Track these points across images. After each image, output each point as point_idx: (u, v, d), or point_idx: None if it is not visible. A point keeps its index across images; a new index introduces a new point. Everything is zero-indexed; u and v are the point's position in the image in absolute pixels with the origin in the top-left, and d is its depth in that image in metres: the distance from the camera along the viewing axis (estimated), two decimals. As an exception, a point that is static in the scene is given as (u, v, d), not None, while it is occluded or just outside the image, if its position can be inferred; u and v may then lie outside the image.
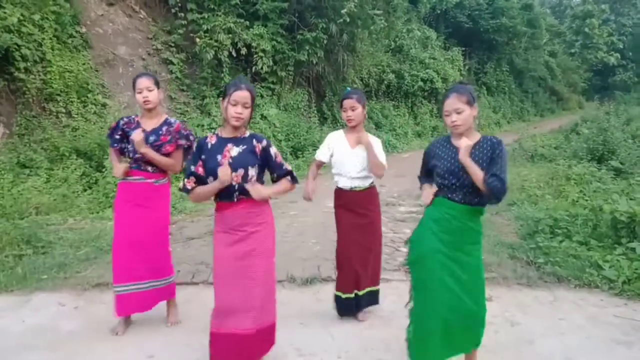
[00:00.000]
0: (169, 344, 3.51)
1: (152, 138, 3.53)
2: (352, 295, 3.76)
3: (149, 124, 3.60)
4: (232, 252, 2.82)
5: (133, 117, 3.69)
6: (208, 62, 11.80)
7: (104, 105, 9.66)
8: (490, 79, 27.86)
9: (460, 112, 2.75)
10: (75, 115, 8.98)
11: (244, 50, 12.28)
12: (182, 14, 11.88)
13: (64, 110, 8.98)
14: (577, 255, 5.12)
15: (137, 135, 3.41)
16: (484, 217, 2.89)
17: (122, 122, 3.64)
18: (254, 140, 2.88)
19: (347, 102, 3.64)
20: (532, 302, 4.36)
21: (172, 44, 12.03)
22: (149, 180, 3.57)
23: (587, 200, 7.05)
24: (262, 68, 12.74)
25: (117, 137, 3.63)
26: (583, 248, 5.30)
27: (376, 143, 3.73)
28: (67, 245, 5.52)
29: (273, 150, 2.93)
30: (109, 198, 7.29)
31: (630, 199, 6.37)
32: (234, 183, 2.78)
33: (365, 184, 3.71)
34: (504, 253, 5.48)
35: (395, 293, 4.37)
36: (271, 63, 13.07)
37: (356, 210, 3.71)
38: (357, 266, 3.72)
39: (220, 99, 2.93)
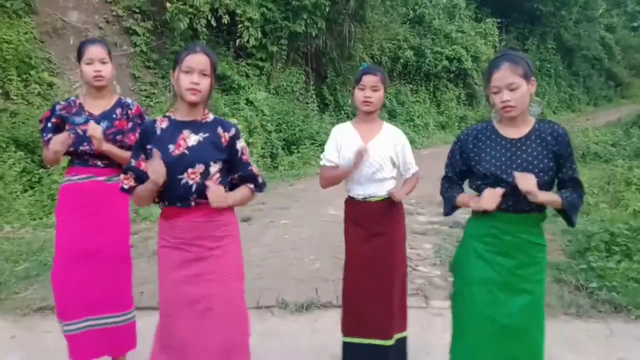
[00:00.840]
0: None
1: (104, 124, 3.34)
2: (377, 343, 3.46)
3: (97, 106, 3.41)
4: (184, 275, 2.64)
5: (73, 98, 3.45)
6: (181, 33, 11.82)
7: (50, 84, 9.65)
8: (532, 58, 27.80)
9: (514, 89, 2.53)
10: (15, 97, 8.98)
11: (226, 19, 12.30)
12: (149, -28, 11.92)
13: (0, 91, 8.98)
14: (639, 279, 5.11)
15: (94, 130, 3.19)
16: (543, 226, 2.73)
17: (58, 107, 3.42)
18: (219, 128, 2.71)
19: (367, 79, 3.33)
20: (584, 337, 4.34)
21: (137, 10, 12.04)
22: (99, 178, 3.35)
23: (653, 211, 7.08)
24: (248, 41, 12.78)
25: (50, 125, 3.40)
26: (647, 270, 5.30)
27: (398, 137, 3.48)
28: (2, 259, 5.49)
29: (240, 143, 2.76)
30: (54, 201, 7.27)
31: None
32: (189, 182, 2.61)
33: (383, 191, 3.38)
34: (547, 275, 5.44)
35: (415, 321, 4.30)
36: (260, 35, 13.10)
37: (371, 227, 3.40)
38: (373, 307, 3.42)
39: (171, 71, 2.72)
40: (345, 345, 3.54)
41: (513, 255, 2.61)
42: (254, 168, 2.84)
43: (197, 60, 2.59)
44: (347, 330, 3.52)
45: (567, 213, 2.63)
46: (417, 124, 18.84)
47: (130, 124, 3.45)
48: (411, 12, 20.62)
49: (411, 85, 20.68)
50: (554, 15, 27.66)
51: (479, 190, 2.67)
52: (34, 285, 5.03)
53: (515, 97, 2.52)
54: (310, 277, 5.38)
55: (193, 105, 2.65)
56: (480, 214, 2.65)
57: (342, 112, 16.24)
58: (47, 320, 4.33)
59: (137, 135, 3.23)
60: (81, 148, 3.31)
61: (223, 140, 2.68)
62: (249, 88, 12.90)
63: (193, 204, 2.63)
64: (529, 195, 2.46)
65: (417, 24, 21.14)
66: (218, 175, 2.68)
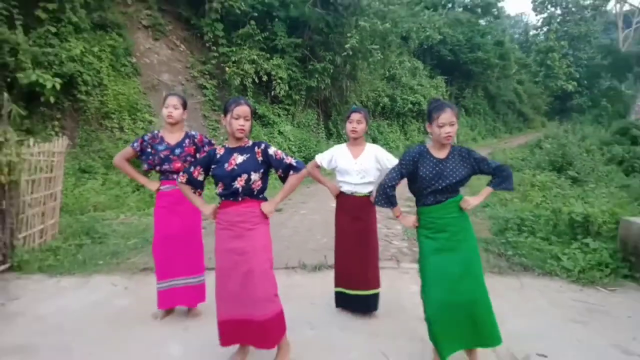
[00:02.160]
0: (202, 320, 3.51)
1: (177, 150, 3.38)
2: (350, 292, 3.51)
3: (172, 138, 3.43)
4: (233, 247, 2.65)
5: (156, 132, 3.47)
6: (235, 87, 11.88)
7: (150, 122, 9.74)
8: (468, 102, 27.75)
9: (453, 125, 2.63)
10: (127, 130, 9.06)
11: (264, 78, 12.36)
12: (215, 48, 11.99)
13: (117, 126, 9.06)
14: (540, 249, 5.10)
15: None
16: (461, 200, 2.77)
17: (147, 137, 3.44)
18: (255, 147, 2.73)
19: (354, 115, 3.40)
20: (503, 288, 4.32)
21: (206, 72, 12.12)
22: (177, 187, 3.33)
23: (548, 203, 7.01)
24: (279, 92, 12.81)
25: (136, 144, 3.43)
26: (545, 243, 5.28)
27: (377, 151, 3.50)
28: (119, 236, 5.55)
29: (272, 149, 2.73)
30: (153, 198, 7.32)
31: (585, 203, 6.33)
32: (237, 186, 2.64)
33: (365, 191, 3.46)
34: (479, 246, 5.42)
35: (388, 279, 4.33)
36: (287, 88, 13.14)
37: (355, 214, 3.44)
38: (352, 266, 3.46)
39: (222, 116, 2.76)
40: (336, 293, 3.63)
41: (446, 230, 2.70)
42: (288, 159, 2.75)
43: (242, 109, 2.67)
44: (337, 283, 3.60)
45: (501, 188, 2.76)
46: (391, 146, 18.75)
47: (194, 147, 3.47)
48: (387, 72, 20.52)
49: (387, 121, 20.60)
50: (482, 74, 27.48)
51: (416, 192, 2.80)
52: (140, 254, 5.08)
53: (454, 131, 2.64)
54: (320, 248, 5.38)
55: (240, 140, 2.71)
56: (420, 213, 2.80)
57: (342, 138, 16.14)
58: (148, 277, 4.37)
59: (201, 154, 3.34)
60: (164, 167, 3.38)
61: (257, 154, 2.70)
62: (280, 123, 12.93)
63: (240, 199, 2.67)
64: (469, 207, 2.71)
65: (392, 80, 21.06)
66: (259, 182, 2.70)
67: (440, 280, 2.65)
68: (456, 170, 2.66)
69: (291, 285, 4.20)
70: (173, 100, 3.43)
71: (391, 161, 3.45)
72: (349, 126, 3.47)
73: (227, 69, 11.68)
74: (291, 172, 2.75)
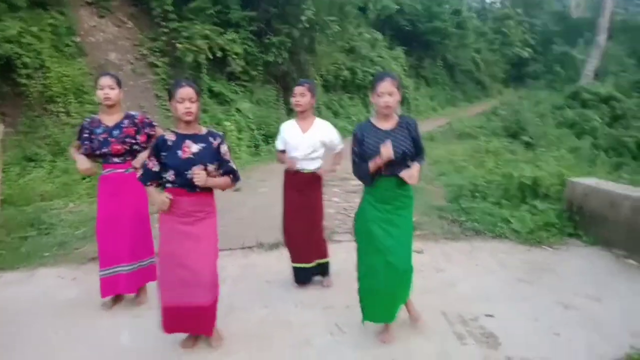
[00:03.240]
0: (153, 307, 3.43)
1: (115, 132, 3.24)
2: (307, 265, 3.60)
3: (110, 120, 3.29)
4: (184, 233, 2.65)
5: (94, 116, 3.35)
6: (188, 65, 11.40)
7: (98, 104, 9.27)
8: (427, 72, 27.91)
9: (392, 95, 2.67)
10: (74, 114, 8.58)
11: (219, 54, 11.90)
12: (165, 23, 11.44)
13: (63, 110, 8.57)
14: (491, 213, 5.24)
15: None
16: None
17: (86, 123, 3.34)
18: (211, 138, 2.71)
19: (297, 89, 3.41)
20: (455, 252, 4.45)
21: (157, 50, 11.57)
22: (118, 171, 3.27)
23: (500, 168, 7.20)
24: (235, 68, 12.42)
25: (85, 136, 3.30)
26: (496, 207, 5.42)
27: (326, 127, 3.51)
28: (67, 226, 5.30)
29: (224, 147, 2.76)
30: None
31: (535, 166, 6.54)
32: (192, 176, 2.61)
33: (311, 167, 3.48)
34: (434, 214, 5.56)
35: (345, 252, 4.35)
36: (243, 64, 12.75)
37: (301, 189, 3.48)
38: (302, 242, 3.54)
39: (169, 101, 2.70)
40: (294, 269, 3.68)
41: (391, 203, 2.78)
42: (233, 164, 2.80)
43: (186, 92, 2.59)
44: (293, 258, 3.67)
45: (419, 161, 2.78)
46: (353, 119, 18.59)
47: (135, 128, 3.33)
48: (346, 44, 20.24)
49: (348, 94, 20.41)
50: (441, 44, 27.59)
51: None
52: (89, 243, 4.85)
53: (392, 100, 2.69)
54: (278, 225, 5.23)
55: (189, 123, 2.63)
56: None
57: (312, 108, 16.03)
58: (97, 266, 4.18)
59: (144, 136, 3.26)
60: (103, 151, 3.25)
61: (214, 146, 2.69)
62: (237, 101, 12.56)
63: (197, 189, 2.65)
64: (388, 159, 2.62)
65: (351, 52, 20.78)
66: (215, 173, 2.73)
67: (376, 248, 2.74)
68: (403, 141, 2.71)
69: (247, 265, 4.18)
70: (107, 81, 3.29)
71: (337, 138, 3.51)
72: (293, 100, 3.48)
73: (178, 45, 11.19)
74: (230, 176, 2.79)
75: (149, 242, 3.42)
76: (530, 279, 3.78)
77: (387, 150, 2.61)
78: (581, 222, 4.73)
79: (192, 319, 2.70)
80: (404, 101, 23.36)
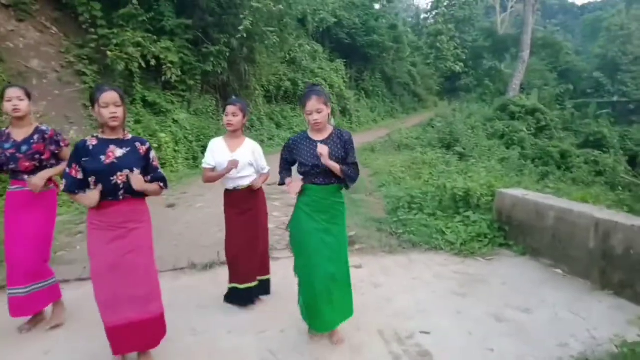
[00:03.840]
0: (68, 339, 3.10)
1: (24, 148, 3.05)
2: (248, 286, 3.50)
3: (20, 133, 3.08)
4: (114, 248, 2.53)
5: (4, 129, 3.14)
6: (120, 73, 10.84)
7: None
8: (367, 85, 28.60)
9: (320, 112, 2.76)
10: (-12, 125, 7.83)
11: (153, 62, 11.45)
12: (93, 30, 10.81)
13: (-24, 120, 7.80)
14: (427, 225, 5.31)
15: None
16: (344, 191, 2.97)
17: None
18: (138, 143, 2.64)
19: (229, 108, 3.34)
20: (393, 265, 4.44)
21: (85, 57, 10.88)
22: (26, 189, 3.07)
23: (435, 180, 7.39)
24: (171, 78, 11.99)
25: None
26: (432, 218, 5.51)
27: (255, 149, 3.46)
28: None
29: (152, 154, 2.70)
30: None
31: (468, 177, 6.75)
32: (117, 182, 2.51)
33: (245, 183, 3.42)
34: (373, 227, 5.55)
35: (283, 269, 4.20)
36: (180, 73, 12.33)
37: (241, 206, 3.42)
38: (245, 260, 3.44)
39: (91, 107, 2.60)
40: (233, 290, 3.54)
41: (326, 212, 2.84)
42: (162, 172, 2.75)
43: (110, 96, 2.51)
44: (231, 279, 3.53)
45: (346, 180, 2.85)
46: (295, 131, 18.59)
47: (44, 144, 3.12)
48: (287, 55, 20.28)
49: (290, 105, 20.39)
50: (379, 57, 28.41)
51: (303, 173, 2.88)
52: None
53: (321, 117, 2.79)
54: (215, 243, 5.01)
55: (114, 128, 2.56)
56: (304, 190, 2.86)
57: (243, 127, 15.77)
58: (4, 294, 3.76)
59: (48, 152, 3.13)
60: (10, 167, 3.04)
61: (141, 151, 2.64)
62: (174, 111, 12.08)
63: (121, 197, 2.56)
64: (322, 157, 2.72)
65: (292, 63, 20.87)
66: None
67: (314, 258, 2.78)
68: (335, 150, 2.81)
69: (178, 289, 3.90)
70: (15, 92, 3.09)
71: (264, 163, 3.53)
72: (225, 119, 3.41)
73: (109, 53, 10.61)
74: (160, 183, 2.74)
75: (45, 266, 3.20)
76: (464, 291, 3.82)
77: (323, 148, 2.73)
78: (511, 232, 4.89)
79: (143, 335, 2.57)
80: (345, 113, 23.75)
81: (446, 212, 5.59)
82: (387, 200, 6.83)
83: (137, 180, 2.55)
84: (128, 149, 2.58)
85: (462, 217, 5.29)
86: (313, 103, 2.75)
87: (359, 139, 18.57)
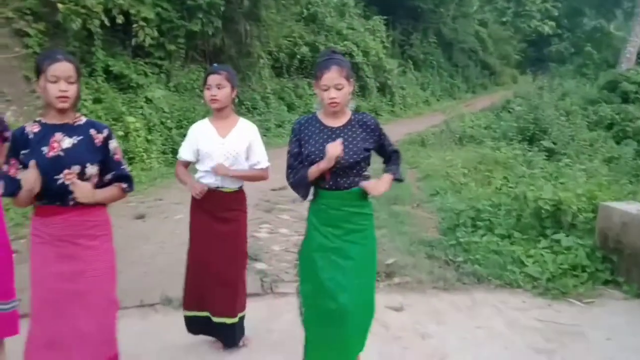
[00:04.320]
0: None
1: None
2: (203, 314, 3.60)
3: None
4: (59, 271, 2.57)
5: None
6: (75, 34, 11.08)
7: None
8: (416, 51, 28.54)
9: (340, 88, 2.78)
10: None
11: (120, 19, 11.65)
12: (39, -25, 11.10)
13: None
14: (498, 251, 5.26)
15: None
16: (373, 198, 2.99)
17: None
18: (93, 130, 2.67)
19: (212, 78, 3.41)
20: (448, 308, 4.40)
21: (28, 12, 11.16)
22: None
23: (512, 187, 7.28)
24: (144, 40, 12.18)
25: None
26: (506, 242, 5.46)
27: (252, 132, 3.56)
28: None
29: (113, 144, 2.73)
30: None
31: (560, 183, 6.64)
32: (66, 182, 2.55)
33: (236, 184, 3.51)
34: (421, 253, 5.52)
35: (291, 309, 4.21)
36: (156, 34, 12.55)
37: (217, 213, 3.48)
38: (210, 281, 3.51)
39: (35, 81, 2.67)
40: (187, 318, 3.65)
41: (340, 226, 2.84)
42: (127, 168, 2.81)
43: (61, 68, 2.54)
44: (187, 304, 3.65)
45: (397, 178, 2.96)
46: (304, 115, 18.83)
47: None
48: (305, 10, 20.48)
49: (308, 79, 20.52)
50: (434, 13, 28.39)
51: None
52: None
53: (341, 95, 2.78)
54: None
55: (63, 111, 2.60)
56: (315, 196, 2.90)
57: (243, 106, 15.87)
58: None
59: None
60: None
61: (97, 141, 2.66)
62: (147, 86, 12.30)
63: (72, 203, 2.58)
64: (335, 160, 2.72)
65: (311, 21, 21.03)
66: (97, 177, 2.67)
67: (322, 287, 2.82)
68: (356, 143, 2.84)
69: (146, 332, 3.95)
70: None
71: (262, 152, 3.58)
72: (206, 93, 3.46)
73: (59, 5, 10.84)
74: (123, 183, 2.79)
75: (10, 280, 3.33)
76: (551, 348, 3.77)
77: (334, 148, 2.71)
78: (620, 265, 4.80)
79: None
80: (384, 90, 23.76)
81: (527, 233, 5.52)
82: (441, 215, 6.80)
83: (82, 189, 2.56)
84: (79, 137, 2.61)
85: (549, 242, 5.22)
86: (332, 75, 2.76)
87: (404, 128, 18.54)
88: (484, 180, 8.40)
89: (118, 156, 2.75)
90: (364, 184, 2.80)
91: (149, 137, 11.21)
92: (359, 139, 2.85)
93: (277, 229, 6.62)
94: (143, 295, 4.52)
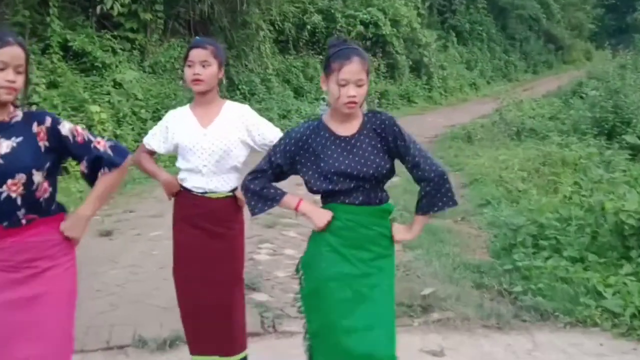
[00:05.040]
0: None
1: None
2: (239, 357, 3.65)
3: None
4: (9, 300, 2.59)
5: None
6: (24, 0, 11.24)
7: None
8: (461, 20, 28.54)
9: (361, 84, 2.82)
10: None
11: (81, -19, 11.81)
12: None
13: None
14: (568, 279, 5.22)
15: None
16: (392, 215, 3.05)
17: None
18: (34, 124, 2.68)
19: (195, 54, 3.43)
20: (503, 354, 4.37)
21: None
22: None
23: (585, 196, 7.22)
24: (112, 7, 12.33)
25: None
26: (577, 267, 5.41)
27: (243, 113, 3.59)
28: None
29: (66, 127, 2.73)
30: None
31: (648, 193, 6.58)
32: (10, 195, 2.57)
33: (227, 186, 3.52)
34: (466, 280, 5.50)
35: (300, 355, 4.22)
36: (127, 0, 12.67)
37: (208, 227, 3.49)
38: (203, 315, 3.56)
39: None
40: None
41: (367, 247, 2.89)
42: (99, 143, 2.75)
43: (13, 54, 2.57)
44: (192, 347, 3.69)
45: (438, 210, 2.97)
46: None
47: None
48: (317, -32, 20.57)
49: (321, 57, 20.56)
50: (484, -30, 28.37)
51: (327, 191, 2.91)
52: None
53: (360, 94, 2.82)
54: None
55: (3, 105, 2.62)
56: (331, 207, 2.91)
57: (238, 91, 15.95)
58: None
59: None
60: None
61: (40, 137, 2.67)
62: (116, 67, 12.48)
63: (24, 221, 2.62)
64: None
65: (325, -17, 21.11)
66: (46, 183, 2.68)
67: (341, 326, 2.82)
68: (371, 155, 2.88)
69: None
70: None
71: (270, 131, 3.57)
72: (187, 72, 3.48)
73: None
74: (103, 168, 2.76)
75: None
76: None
77: (321, 220, 2.87)
78: None
79: None
80: (419, 70, 23.76)
81: (605, 255, 5.48)
82: (493, 232, 6.81)
83: (70, 227, 2.70)
84: (19, 138, 2.64)
85: (634, 266, 5.19)
86: (354, 68, 2.78)
87: (444, 119, 18.47)
88: (549, 187, 8.32)
89: (80, 137, 2.73)
90: (395, 231, 2.93)
91: (118, 132, 11.32)
92: (378, 146, 2.88)
93: (280, 250, 6.66)
94: (110, 334, 4.55)
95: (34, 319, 2.62)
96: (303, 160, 2.92)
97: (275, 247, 6.72)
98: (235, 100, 3.64)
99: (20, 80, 2.61)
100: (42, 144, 2.68)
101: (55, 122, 2.70)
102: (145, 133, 12.32)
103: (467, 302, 5.07)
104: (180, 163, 3.57)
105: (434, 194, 2.91)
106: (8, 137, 2.61)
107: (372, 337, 2.82)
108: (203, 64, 3.40)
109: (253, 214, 3.05)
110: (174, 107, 12.57)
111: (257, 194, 2.97)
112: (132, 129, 11.81)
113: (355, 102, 2.81)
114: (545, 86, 23.71)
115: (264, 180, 2.97)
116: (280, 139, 3.03)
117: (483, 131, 14.12)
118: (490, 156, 10.78)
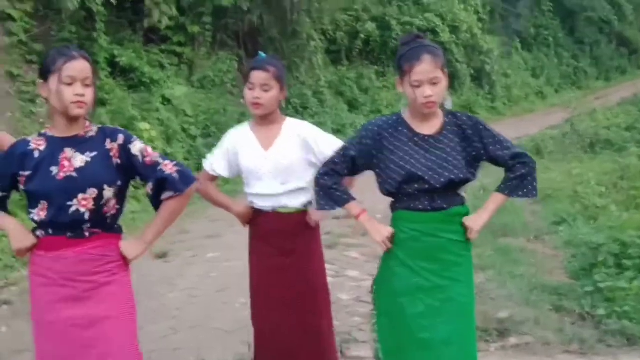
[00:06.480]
0: None
1: None
2: None
3: None
4: (70, 317, 2.68)
5: None
6: (71, 15, 11.54)
7: None
8: (525, 24, 28.28)
9: (436, 83, 2.84)
10: None
11: (129, -6, 12.11)
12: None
13: None
14: (657, 301, 5.15)
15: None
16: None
17: None
18: (107, 140, 2.80)
19: (256, 76, 3.46)
20: (588, 381, 4.35)
21: (10, -12, 11.74)
22: None
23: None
24: (160, 21, 12.56)
25: None
26: (667, 288, 5.33)
27: (304, 130, 3.61)
28: None
29: (137, 146, 2.81)
30: None
31: None
32: (79, 209, 2.67)
33: (297, 202, 3.54)
34: (544, 303, 5.46)
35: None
36: (175, 13, 12.93)
37: (279, 243, 3.54)
38: (285, 336, 3.54)
39: (40, 81, 2.78)
40: None
41: (439, 258, 2.91)
42: (166, 166, 2.80)
43: (79, 68, 2.67)
44: None
45: (520, 195, 2.98)
46: (383, 113, 18.83)
47: None
48: (371, -26, 20.68)
49: (376, 67, 20.69)
50: (549, -30, 28.14)
51: (395, 192, 2.96)
52: None
53: (437, 92, 2.85)
54: (240, 327, 5.07)
55: (76, 119, 2.72)
56: (395, 219, 3.00)
57: (290, 106, 16.07)
58: None
59: None
60: None
61: (113, 153, 2.77)
62: (164, 82, 12.68)
63: (87, 234, 2.71)
64: (470, 232, 2.95)
65: (381, -11, 21.20)
66: (114, 201, 2.78)
67: (416, 341, 2.85)
68: (456, 155, 2.92)
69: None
70: None
71: (331, 143, 3.53)
72: (247, 94, 3.51)
73: (52, -21, 11.36)
74: (167, 191, 2.81)
75: None
76: None
77: (378, 234, 2.95)
78: None
79: None
80: (481, 78, 23.63)
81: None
82: (570, 252, 6.74)
83: (131, 251, 2.80)
84: (93, 153, 2.74)
85: None
86: (426, 67, 2.81)
87: (509, 130, 18.02)
88: (629, 203, 8.21)
89: (149, 158, 2.78)
90: (467, 221, 2.94)
91: (168, 150, 11.46)
92: (459, 149, 2.91)
93: (343, 272, 6.70)
94: (174, 358, 4.67)
95: (102, 336, 2.69)
96: (380, 156, 2.95)
97: (338, 268, 6.76)
98: (288, 114, 3.67)
99: (89, 93, 2.70)
100: (115, 160, 2.77)
101: (127, 141, 2.80)
102: (195, 151, 12.62)
103: (547, 326, 5.04)
104: (246, 188, 3.64)
105: (526, 177, 2.93)
106: (82, 152, 2.72)
107: (450, 353, 2.85)
108: (264, 88, 3.42)
109: (318, 209, 3.14)
110: (224, 123, 12.92)
111: (326, 191, 3.03)
112: (182, 147, 11.99)
113: (433, 102, 2.85)
114: (619, 94, 23.31)
115: (336, 177, 3.03)
116: (357, 132, 3.09)
117: (553, 143, 13.98)
118: (563, 170, 10.67)
